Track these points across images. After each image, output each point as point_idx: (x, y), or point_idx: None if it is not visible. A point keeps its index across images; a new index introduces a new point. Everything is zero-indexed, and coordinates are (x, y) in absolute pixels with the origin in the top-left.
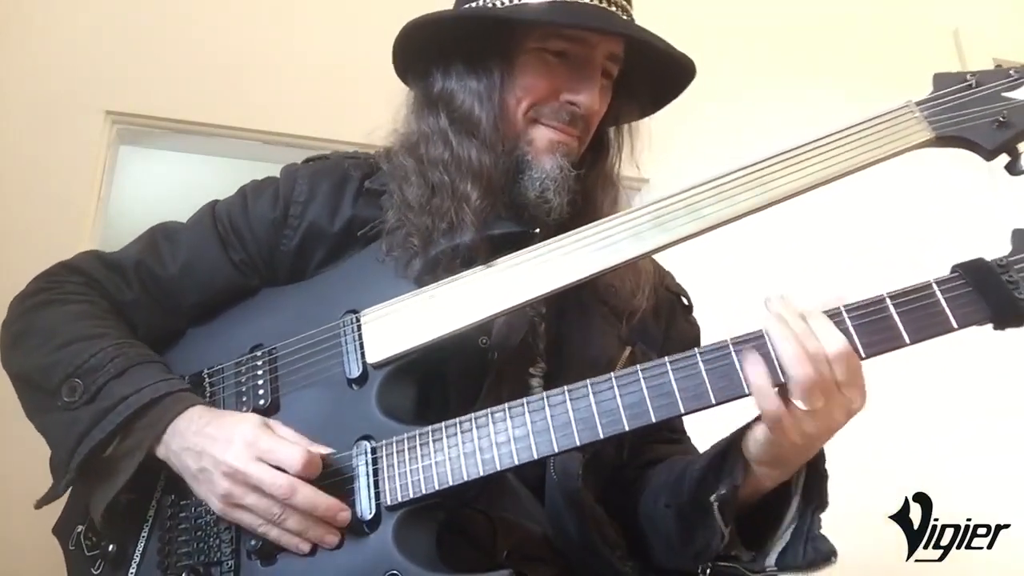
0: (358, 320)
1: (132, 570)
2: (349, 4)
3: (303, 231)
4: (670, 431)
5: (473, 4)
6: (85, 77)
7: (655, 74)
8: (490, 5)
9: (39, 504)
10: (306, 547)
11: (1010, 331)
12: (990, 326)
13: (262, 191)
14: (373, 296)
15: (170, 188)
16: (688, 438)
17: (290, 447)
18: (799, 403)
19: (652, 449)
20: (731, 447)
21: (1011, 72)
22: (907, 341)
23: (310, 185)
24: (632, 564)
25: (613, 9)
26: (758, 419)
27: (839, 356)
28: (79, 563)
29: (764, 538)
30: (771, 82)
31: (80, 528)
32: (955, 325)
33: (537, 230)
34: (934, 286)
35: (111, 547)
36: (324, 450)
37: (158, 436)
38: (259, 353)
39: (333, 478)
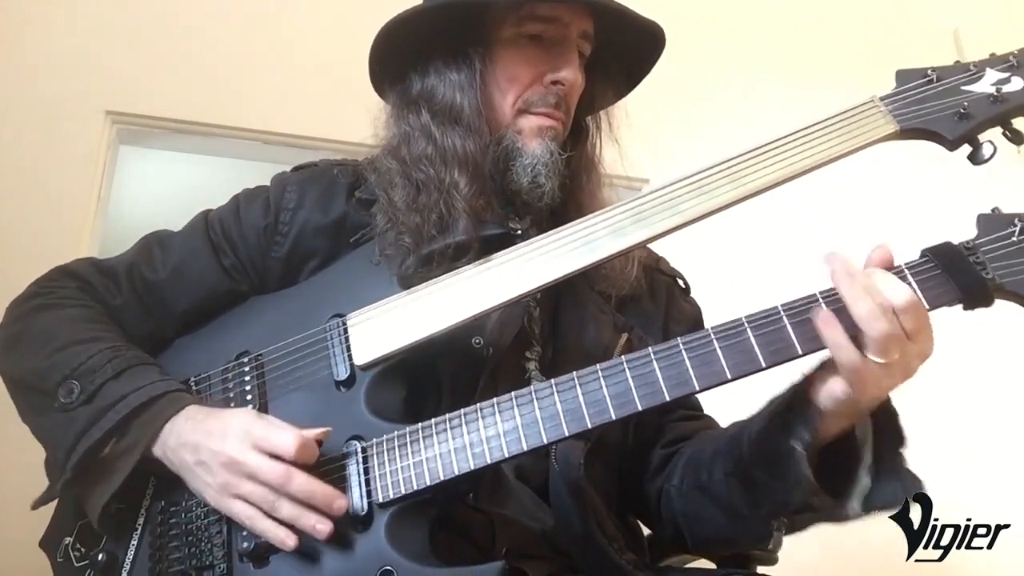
0: (344, 323)
1: None
2: (348, 4)
3: (294, 237)
4: (689, 409)
5: None
6: (85, 77)
7: (626, 51)
8: None
9: (35, 505)
10: (292, 542)
11: (1010, 332)
12: (960, 307)
13: (254, 199)
14: (360, 299)
15: (170, 188)
16: (707, 415)
17: (284, 432)
18: (876, 358)
19: (675, 428)
20: (794, 401)
21: (970, 66)
22: None
23: (299, 192)
24: (629, 557)
25: None
26: (827, 374)
27: (907, 307)
28: (68, 575)
29: (839, 484)
30: (771, 82)
31: (68, 540)
32: (927, 306)
33: (519, 231)
34: (905, 270)
35: (100, 556)
36: (317, 432)
37: (155, 434)
38: (246, 360)
39: (324, 479)
